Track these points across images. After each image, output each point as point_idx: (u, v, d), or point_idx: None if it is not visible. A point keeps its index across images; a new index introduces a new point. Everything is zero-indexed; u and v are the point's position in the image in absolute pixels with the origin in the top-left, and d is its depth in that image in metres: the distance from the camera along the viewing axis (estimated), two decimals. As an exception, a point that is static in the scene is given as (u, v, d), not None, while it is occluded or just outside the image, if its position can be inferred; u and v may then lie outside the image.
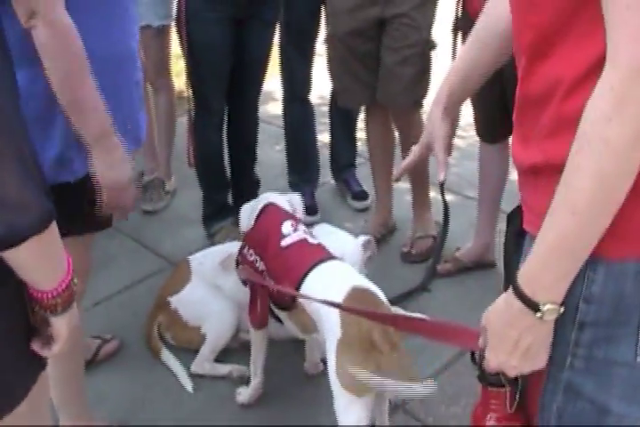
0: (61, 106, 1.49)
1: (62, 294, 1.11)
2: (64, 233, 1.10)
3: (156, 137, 3.55)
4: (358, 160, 3.72)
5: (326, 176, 3.73)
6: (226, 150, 3.26)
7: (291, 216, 2.25)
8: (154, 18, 3.13)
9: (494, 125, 2.68)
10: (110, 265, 3.08)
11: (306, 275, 2.00)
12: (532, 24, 1.03)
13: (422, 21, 2.70)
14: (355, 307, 1.79)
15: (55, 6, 1.42)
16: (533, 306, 1.02)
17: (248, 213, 2.34)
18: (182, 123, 3.60)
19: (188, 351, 2.54)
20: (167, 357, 2.52)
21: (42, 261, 1.07)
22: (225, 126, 3.16)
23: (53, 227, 1.05)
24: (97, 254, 2.86)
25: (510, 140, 1.20)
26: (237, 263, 2.28)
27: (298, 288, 1.99)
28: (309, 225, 3.41)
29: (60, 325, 1.14)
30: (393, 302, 2.77)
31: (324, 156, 3.68)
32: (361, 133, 3.57)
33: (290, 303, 2.07)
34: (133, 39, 1.71)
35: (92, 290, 2.72)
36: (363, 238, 2.40)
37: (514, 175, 2.95)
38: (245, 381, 2.39)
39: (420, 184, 3.13)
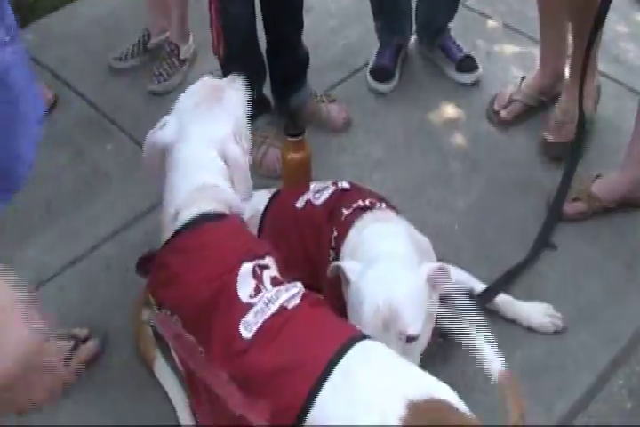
0: None
1: None
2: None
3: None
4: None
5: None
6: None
7: (249, 250, 1.40)
8: None
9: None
10: (83, 191, 2.18)
11: (317, 391, 1.14)
12: None
13: None
14: None
15: None
16: None
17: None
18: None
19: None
20: (162, 369, 1.71)
21: None
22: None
23: None
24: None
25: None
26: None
27: (306, 408, 1.13)
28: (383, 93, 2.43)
29: None
30: (500, 283, 1.89)
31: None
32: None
33: None
34: None
35: (54, 245, 1.96)
36: (429, 267, 1.44)
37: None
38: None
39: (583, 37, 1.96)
